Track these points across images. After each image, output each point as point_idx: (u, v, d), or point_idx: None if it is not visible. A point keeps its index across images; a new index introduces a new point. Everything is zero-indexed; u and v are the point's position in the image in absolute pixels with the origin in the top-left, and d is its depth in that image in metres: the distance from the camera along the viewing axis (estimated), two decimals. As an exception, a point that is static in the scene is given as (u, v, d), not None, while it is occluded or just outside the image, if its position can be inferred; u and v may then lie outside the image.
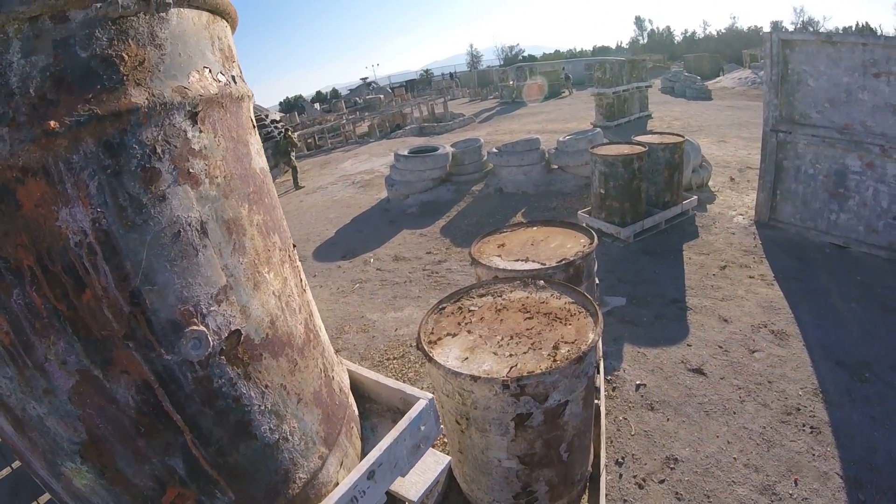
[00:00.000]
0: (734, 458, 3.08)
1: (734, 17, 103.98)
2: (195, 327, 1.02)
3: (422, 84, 38.79)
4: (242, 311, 1.11)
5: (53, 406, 0.97)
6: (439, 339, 2.31)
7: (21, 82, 0.82)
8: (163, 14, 0.96)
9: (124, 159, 0.91)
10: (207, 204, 1.04)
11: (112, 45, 0.89)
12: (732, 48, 41.71)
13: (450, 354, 2.19)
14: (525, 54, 56.94)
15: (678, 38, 57.70)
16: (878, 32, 36.61)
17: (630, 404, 3.57)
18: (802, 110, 6.01)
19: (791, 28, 42.05)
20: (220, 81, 1.07)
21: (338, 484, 1.33)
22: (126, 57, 0.91)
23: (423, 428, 1.42)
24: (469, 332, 2.35)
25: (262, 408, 1.17)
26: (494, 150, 9.02)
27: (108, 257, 0.92)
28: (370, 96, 30.01)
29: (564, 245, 3.32)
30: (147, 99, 0.92)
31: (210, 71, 1.05)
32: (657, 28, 62.19)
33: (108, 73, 0.89)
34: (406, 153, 9.28)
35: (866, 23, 44.21)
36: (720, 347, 4.13)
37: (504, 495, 2.35)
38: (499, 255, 3.29)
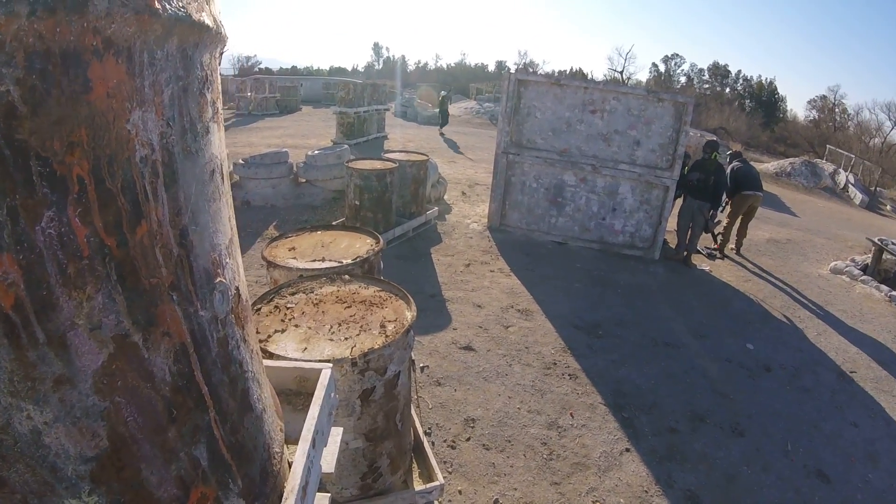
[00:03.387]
0: (518, 408, 3.73)
1: (464, 54, 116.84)
2: (221, 279, 0.87)
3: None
4: (238, 269, 0.99)
5: (66, 405, 0.65)
6: (269, 336, 2.28)
7: None
8: None
9: (191, 77, 0.78)
10: (222, 149, 0.94)
11: None
12: (460, 81, 47.17)
13: (287, 348, 2.18)
14: (262, 66, 55.09)
15: (412, 67, 62.29)
16: (590, 77, 45.71)
17: (420, 384, 3.95)
18: (530, 137, 7.41)
19: (514, 68, 49.51)
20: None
21: (288, 458, 1.23)
22: None
23: (333, 395, 1.38)
24: (296, 326, 2.37)
25: (253, 374, 1.03)
26: (241, 161, 8.53)
27: (168, 183, 0.74)
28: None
29: (353, 245, 3.50)
30: (213, 23, 0.80)
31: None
32: (393, 56, 65.67)
33: None
34: (138, 163, 8.18)
35: (580, 68, 54.70)
36: (480, 327, 4.85)
37: (352, 480, 2.42)
38: (293, 258, 3.31)
